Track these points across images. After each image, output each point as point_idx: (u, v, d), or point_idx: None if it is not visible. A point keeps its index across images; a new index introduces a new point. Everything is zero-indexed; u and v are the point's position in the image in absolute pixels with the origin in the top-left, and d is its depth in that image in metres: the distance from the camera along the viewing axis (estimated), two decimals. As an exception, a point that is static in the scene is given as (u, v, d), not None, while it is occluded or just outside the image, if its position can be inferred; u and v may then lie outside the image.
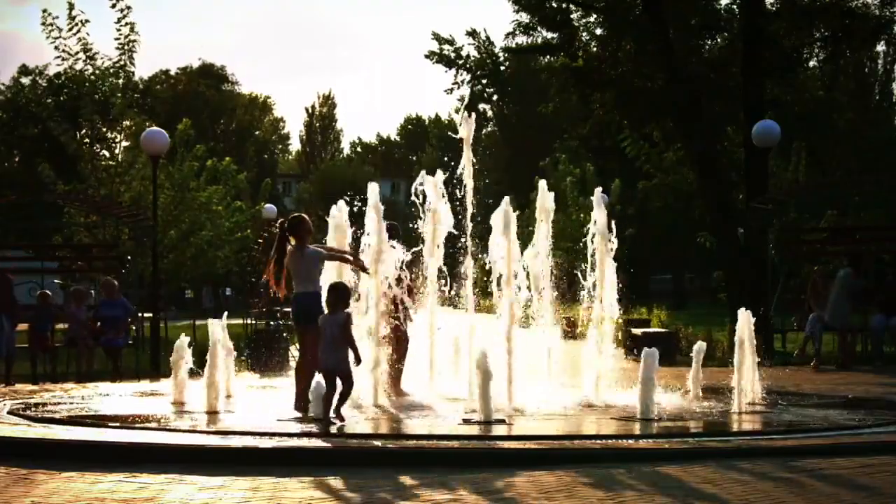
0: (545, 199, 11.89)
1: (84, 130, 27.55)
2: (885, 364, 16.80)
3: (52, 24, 25.39)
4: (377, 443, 8.41)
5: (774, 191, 24.33)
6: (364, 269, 11.03)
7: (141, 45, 26.19)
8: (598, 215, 11.54)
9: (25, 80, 59.10)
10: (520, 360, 10.93)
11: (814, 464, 7.24)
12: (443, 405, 10.66)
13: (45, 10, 25.31)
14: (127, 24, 25.69)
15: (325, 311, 9.81)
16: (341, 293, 9.87)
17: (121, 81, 26.56)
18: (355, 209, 11.54)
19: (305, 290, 10.38)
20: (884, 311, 17.26)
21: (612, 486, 6.56)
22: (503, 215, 11.26)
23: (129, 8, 25.61)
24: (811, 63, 36.03)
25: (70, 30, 25.59)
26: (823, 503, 6.10)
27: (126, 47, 25.99)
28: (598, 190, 12.18)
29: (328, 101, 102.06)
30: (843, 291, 16.81)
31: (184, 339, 11.35)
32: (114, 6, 25.57)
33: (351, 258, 11.10)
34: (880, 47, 43.57)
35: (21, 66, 60.81)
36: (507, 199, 11.37)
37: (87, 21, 25.56)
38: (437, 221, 11.59)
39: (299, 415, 9.98)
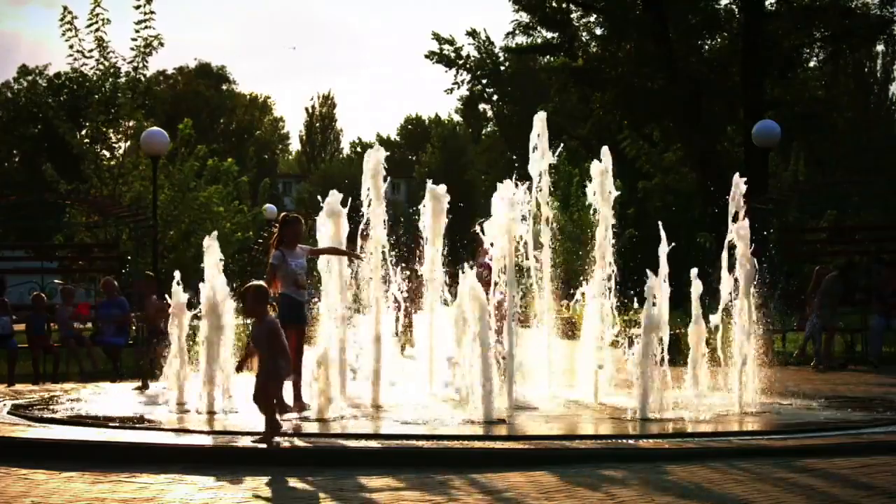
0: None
1: (85, 130, 27.51)
2: (884, 364, 16.80)
3: (70, 22, 25.36)
4: (377, 443, 8.41)
5: (774, 191, 24.33)
6: (357, 257, 11.00)
7: (158, 50, 26.26)
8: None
9: (25, 81, 59.00)
10: (519, 360, 10.92)
11: (814, 464, 7.24)
12: (442, 406, 10.64)
13: (65, 7, 25.28)
14: (148, 27, 25.74)
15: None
16: (260, 297, 8.40)
17: (122, 80, 26.52)
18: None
19: (280, 290, 10.31)
20: (883, 313, 17.29)
21: (612, 486, 6.55)
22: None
23: (153, 13, 25.65)
24: (811, 63, 36.04)
25: (89, 27, 25.56)
26: (823, 503, 6.10)
27: (142, 50, 25.98)
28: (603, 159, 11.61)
29: (328, 101, 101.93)
30: (828, 292, 17.01)
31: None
32: (138, 8, 25.60)
33: (334, 251, 10.92)
34: (879, 47, 43.63)
35: (21, 66, 60.71)
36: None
37: (108, 21, 25.58)
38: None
39: (297, 414, 9.96)
